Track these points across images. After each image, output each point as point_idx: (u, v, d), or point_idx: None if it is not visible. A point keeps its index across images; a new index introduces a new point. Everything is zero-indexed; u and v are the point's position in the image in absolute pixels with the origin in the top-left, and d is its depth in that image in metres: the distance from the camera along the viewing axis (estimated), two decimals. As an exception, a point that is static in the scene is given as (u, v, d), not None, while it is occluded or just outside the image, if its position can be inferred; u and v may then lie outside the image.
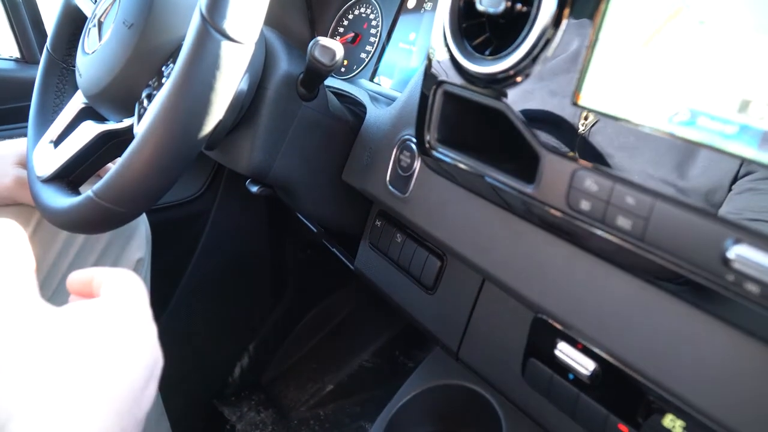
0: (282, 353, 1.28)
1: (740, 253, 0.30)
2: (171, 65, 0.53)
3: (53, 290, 0.75)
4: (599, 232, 0.37)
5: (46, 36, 1.15)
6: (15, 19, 1.12)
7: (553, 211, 0.40)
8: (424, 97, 0.50)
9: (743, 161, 0.30)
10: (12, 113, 1.08)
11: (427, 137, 0.50)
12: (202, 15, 0.44)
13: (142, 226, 0.87)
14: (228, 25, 0.45)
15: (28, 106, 0.72)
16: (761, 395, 0.32)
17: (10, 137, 0.78)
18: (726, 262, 0.31)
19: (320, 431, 1.14)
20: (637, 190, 0.34)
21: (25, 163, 0.74)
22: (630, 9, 0.35)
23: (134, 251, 0.83)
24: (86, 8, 0.67)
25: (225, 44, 0.45)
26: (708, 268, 0.32)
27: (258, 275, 1.29)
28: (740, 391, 0.33)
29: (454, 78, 0.46)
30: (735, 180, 0.30)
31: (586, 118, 0.37)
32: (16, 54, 1.15)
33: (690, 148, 0.32)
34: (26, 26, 1.13)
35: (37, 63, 1.13)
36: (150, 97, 0.54)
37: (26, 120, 0.72)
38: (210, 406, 1.25)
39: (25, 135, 0.76)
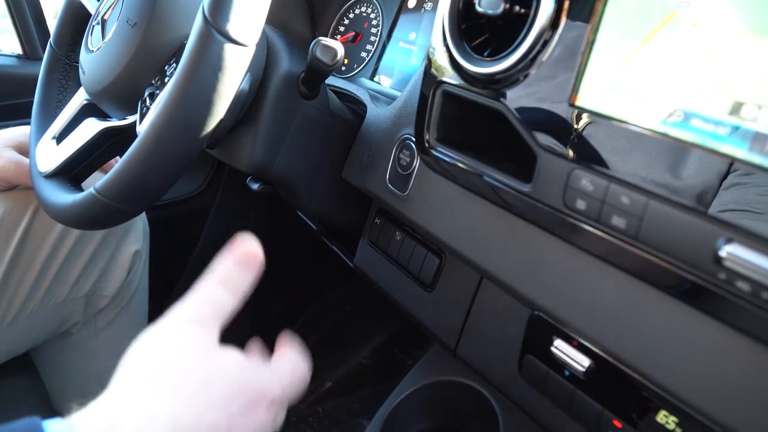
0: (281, 350, 1.28)
1: (732, 251, 0.31)
2: (174, 64, 0.54)
3: (50, 280, 0.75)
4: (595, 231, 0.38)
5: (48, 32, 1.15)
6: (17, 16, 1.12)
7: (549, 210, 0.41)
8: (423, 97, 0.51)
9: (734, 161, 0.31)
10: (14, 109, 1.09)
11: (427, 136, 0.51)
12: (204, 17, 0.45)
13: (138, 218, 0.87)
14: (230, 28, 0.45)
15: (30, 103, 0.72)
16: (751, 391, 0.33)
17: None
18: (718, 260, 0.31)
19: (319, 428, 1.14)
20: (631, 190, 0.35)
21: (20, 148, 0.74)
22: (625, 12, 0.35)
23: (131, 243, 0.84)
24: (90, 5, 0.67)
25: (227, 46, 0.46)
26: (700, 266, 0.32)
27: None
28: (731, 387, 0.34)
29: (454, 78, 0.47)
30: (725, 178, 0.31)
31: (582, 119, 0.38)
32: (18, 50, 1.15)
33: (683, 149, 0.33)
34: (28, 22, 1.13)
35: (39, 59, 1.14)
36: (153, 96, 0.54)
37: (28, 116, 0.72)
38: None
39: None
